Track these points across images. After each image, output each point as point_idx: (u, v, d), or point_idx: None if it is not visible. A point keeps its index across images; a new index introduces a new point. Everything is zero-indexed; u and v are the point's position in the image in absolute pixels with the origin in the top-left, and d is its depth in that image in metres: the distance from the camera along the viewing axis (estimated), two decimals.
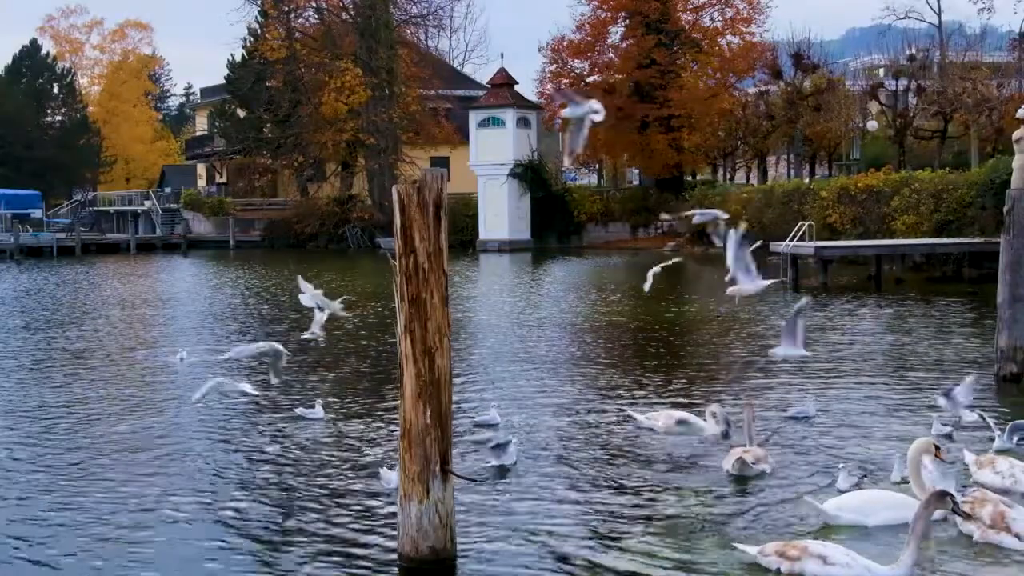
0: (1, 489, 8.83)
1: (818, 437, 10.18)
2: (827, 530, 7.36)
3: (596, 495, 8.45)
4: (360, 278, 35.34)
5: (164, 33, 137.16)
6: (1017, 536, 6.77)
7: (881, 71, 51.92)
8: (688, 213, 9.33)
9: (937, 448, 7.65)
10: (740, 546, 6.83)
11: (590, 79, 53.92)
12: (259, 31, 64.16)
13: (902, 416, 11.03)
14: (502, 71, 55.62)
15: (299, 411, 11.49)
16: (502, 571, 6.81)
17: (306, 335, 10.91)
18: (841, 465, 8.51)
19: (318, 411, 11.34)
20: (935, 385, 12.80)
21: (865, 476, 8.34)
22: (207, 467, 9.48)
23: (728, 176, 57.62)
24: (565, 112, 6.96)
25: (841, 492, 8.01)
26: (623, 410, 11.38)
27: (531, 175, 53.73)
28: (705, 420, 10.41)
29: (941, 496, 6.46)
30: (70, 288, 32.40)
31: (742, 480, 8.70)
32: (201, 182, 78.21)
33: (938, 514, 7.40)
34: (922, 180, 32.82)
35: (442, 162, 60.88)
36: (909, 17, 57.44)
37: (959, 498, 6.77)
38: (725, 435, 9.48)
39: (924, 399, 11.73)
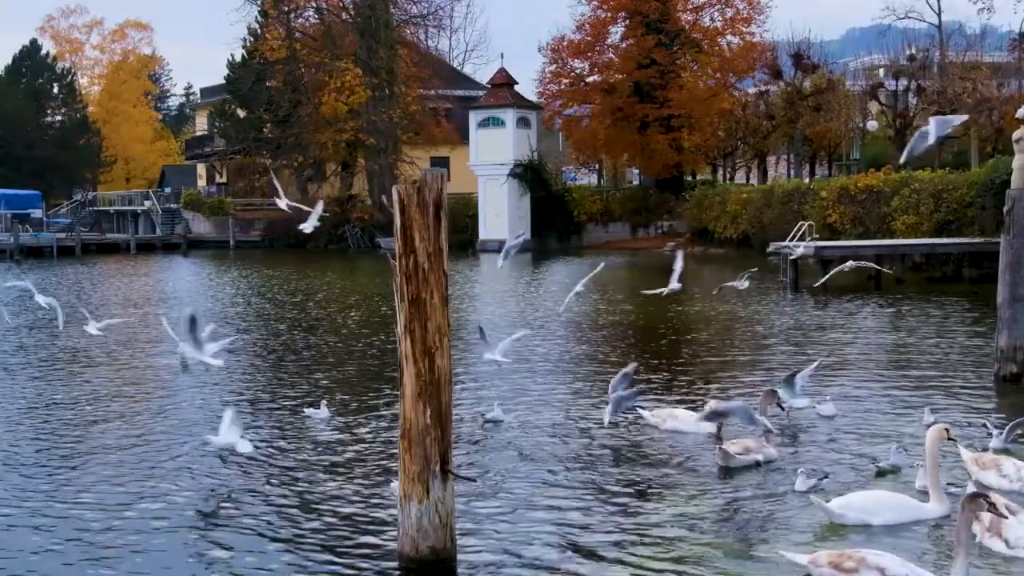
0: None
1: (821, 435, 10.20)
2: (831, 529, 7.38)
3: (599, 495, 8.44)
4: (360, 278, 35.36)
5: (164, 33, 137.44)
6: (1006, 542, 6.82)
7: (881, 71, 51.94)
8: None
9: (947, 430, 7.77)
10: (787, 554, 6.58)
11: (590, 79, 53.97)
12: (259, 31, 64.15)
13: (903, 415, 11.03)
14: (502, 71, 55.60)
15: (305, 411, 11.51)
16: (502, 571, 6.81)
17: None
18: (800, 469, 8.48)
19: (323, 411, 11.34)
20: (935, 384, 12.83)
21: (825, 477, 8.34)
22: (208, 465, 9.46)
23: (728, 176, 57.61)
24: None
25: (797, 493, 8.07)
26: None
27: (531, 175, 53.72)
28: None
29: (974, 498, 6.27)
30: (71, 288, 32.38)
31: (745, 477, 8.70)
32: (201, 182, 78.21)
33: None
34: (922, 180, 32.77)
35: (442, 162, 60.89)
36: (909, 17, 57.34)
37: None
38: (717, 437, 9.47)
39: (924, 398, 11.73)
